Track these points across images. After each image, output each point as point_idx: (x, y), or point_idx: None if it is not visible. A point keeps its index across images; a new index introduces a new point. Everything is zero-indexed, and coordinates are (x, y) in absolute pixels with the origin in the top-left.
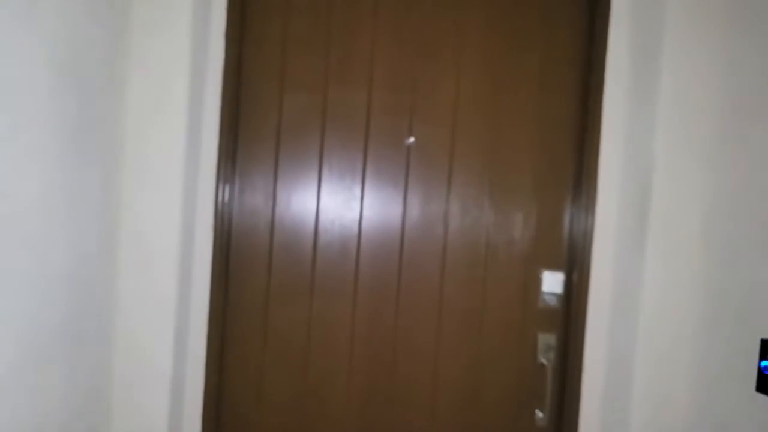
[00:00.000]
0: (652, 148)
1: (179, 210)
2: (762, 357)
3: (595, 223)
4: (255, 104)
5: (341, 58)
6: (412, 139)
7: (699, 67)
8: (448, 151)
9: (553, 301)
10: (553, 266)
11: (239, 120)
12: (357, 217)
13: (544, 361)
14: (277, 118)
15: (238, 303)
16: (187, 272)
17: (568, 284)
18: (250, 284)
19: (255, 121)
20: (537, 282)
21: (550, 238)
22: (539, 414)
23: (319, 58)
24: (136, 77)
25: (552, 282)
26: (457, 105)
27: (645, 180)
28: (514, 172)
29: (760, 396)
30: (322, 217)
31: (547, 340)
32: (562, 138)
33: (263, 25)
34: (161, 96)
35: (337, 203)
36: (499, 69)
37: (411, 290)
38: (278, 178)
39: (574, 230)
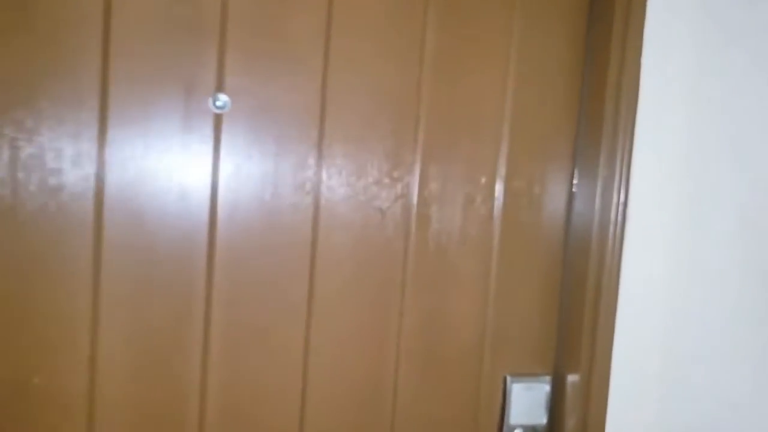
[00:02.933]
0: None
1: None
2: None
3: (622, 261)
4: None
5: None
6: (223, 100)
7: None
8: (314, 119)
9: None
10: (529, 367)
11: None
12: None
13: None
14: None
15: None
16: None
17: (557, 406)
18: None
19: None
20: (494, 399)
21: (527, 306)
22: None
23: None
24: None
25: (525, 400)
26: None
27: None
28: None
29: None
30: None
31: None
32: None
33: None
34: None
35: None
36: None
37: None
38: None
39: (569, 282)
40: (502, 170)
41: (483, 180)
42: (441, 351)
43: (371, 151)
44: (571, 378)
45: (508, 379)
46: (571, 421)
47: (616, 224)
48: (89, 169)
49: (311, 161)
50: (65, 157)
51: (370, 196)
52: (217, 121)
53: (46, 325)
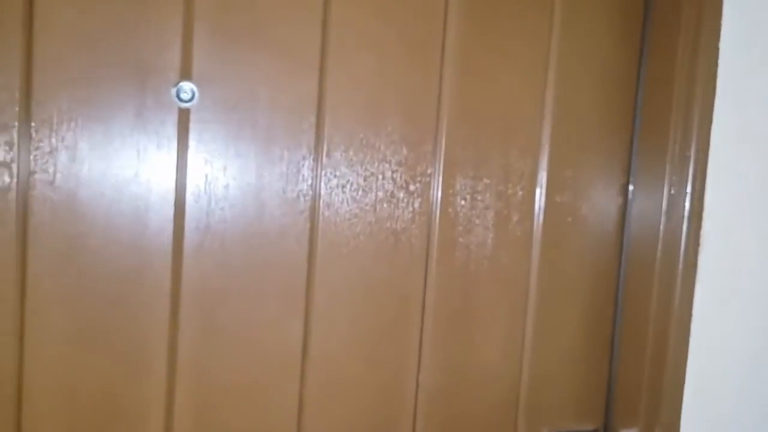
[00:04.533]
0: None
1: None
2: None
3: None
4: None
5: None
6: (188, 90)
7: None
8: (309, 116)
9: None
10: (575, 422)
11: None
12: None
13: None
14: None
15: None
16: None
17: None
18: None
19: None
20: None
21: (571, 349)
22: None
23: None
24: None
25: None
26: None
27: None
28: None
29: None
30: None
31: None
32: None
33: None
34: None
35: None
36: None
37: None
38: None
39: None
40: (542, 183)
41: (520, 194)
42: (467, 409)
43: (382, 159)
44: None
45: None
46: None
47: (687, 245)
48: (6, 179)
49: (306, 171)
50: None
51: (380, 216)
52: (183, 117)
53: None
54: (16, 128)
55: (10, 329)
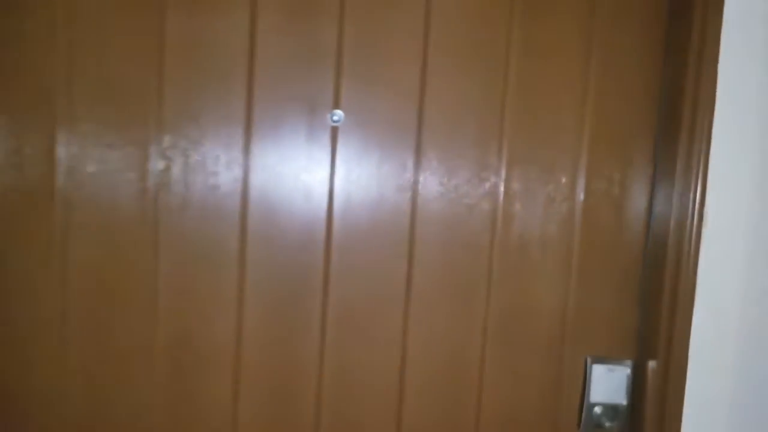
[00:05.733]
0: None
1: None
2: None
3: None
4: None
5: None
6: (338, 115)
7: None
8: (412, 129)
9: (607, 420)
10: (611, 352)
11: None
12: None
13: None
14: (64, 63)
15: None
16: None
17: (638, 389)
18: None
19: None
20: (576, 381)
21: (607, 297)
22: None
23: None
24: None
25: (606, 383)
26: (428, 34)
27: None
28: (541, 152)
29: None
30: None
31: None
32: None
33: None
34: None
35: (194, 215)
36: None
37: (340, 382)
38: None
39: (649, 273)
40: (582, 172)
41: (563, 180)
42: (524, 334)
43: (462, 156)
44: (651, 364)
45: (589, 360)
46: (650, 404)
47: (692, 223)
48: (238, 172)
49: (410, 165)
50: (221, 163)
51: (459, 194)
52: (334, 133)
53: (200, 295)
54: (242, 149)
55: (233, 297)
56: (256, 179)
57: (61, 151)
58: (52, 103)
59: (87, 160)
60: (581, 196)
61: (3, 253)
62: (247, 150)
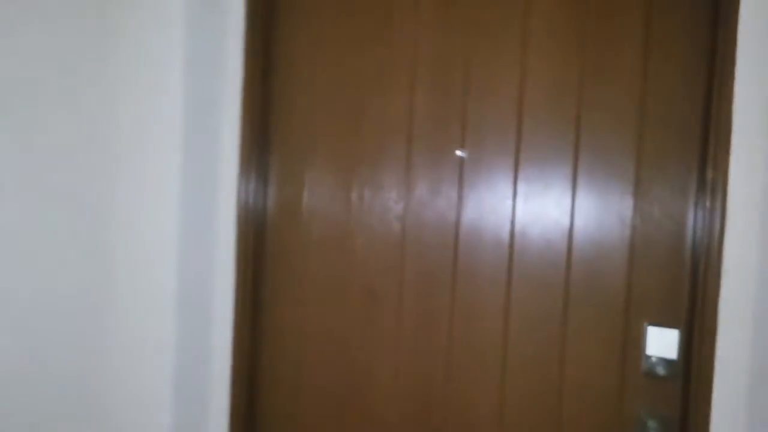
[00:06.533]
0: None
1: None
2: None
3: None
4: (283, 107)
5: (379, 60)
6: (462, 153)
7: None
8: (511, 159)
9: (662, 370)
10: (663, 320)
11: (269, 131)
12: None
13: None
14: (308, 128)
15: (268, 309)
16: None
17: (687, 347)
18: (282, 285)
19: (284, 131)
20: (638, 342)
21: (659, 280)
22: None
23: (354, 58)
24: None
25: (660, 340)
26: (523, 97)
27: None
28: (609, 180)
29: None
30: (364, 243)
31: (654, 424)
32: (681, 142)
33: (289, 25)
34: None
35: (376, 221)
36: (582, 46)
37: (464, 326)
38: (309, 196)
39: (696, 260)
40: (633, 189)
41: (629, 192)
42: (597, 300)
43: (548, 162)
44: (690, 328)
45: (647, 325)
46: (693, 358)
47: (718, 230)
48: (402, 197)
49: (509, 186)
50: (392, 192)
51: (557, 213)
52: (461, 163)
53: (379, 265)
54: (402, 179)
55: (397, 266)
56: (413, 202)
57: (307, 188)
58: (303, 160)
59: (317, 192)
60: (636, 210)
61: (284, 246)
62: (408, 183)
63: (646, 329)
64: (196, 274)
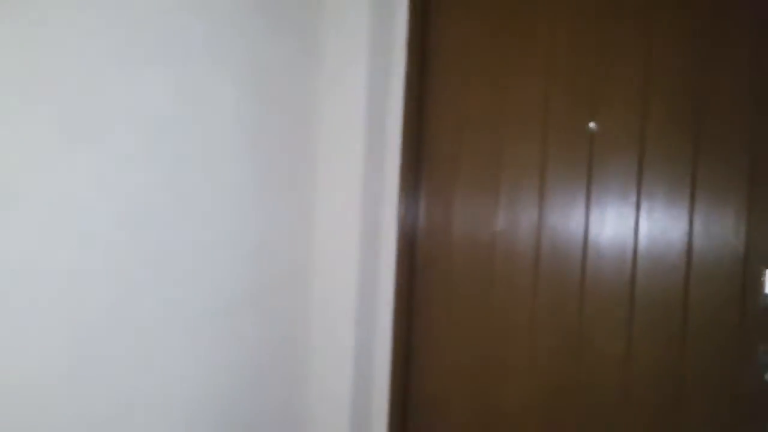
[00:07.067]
0: None
1: (359, 207)
2: None
3: None
4: (437, 126)
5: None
6: (592, 125)
7: None
8: (638, 140)
9: None
10: None
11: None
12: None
13: None
14: (454, 155)
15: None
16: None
17: None
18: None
19: (437, 145)
20: (757, 284)
21: None
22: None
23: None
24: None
25: None
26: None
27: None
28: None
29: None
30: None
31: None
32: None
33: (443, 36)
34: (345, 117)
35: (517, 221)
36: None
37: (597, 291)
38: (457, 197)
39: None
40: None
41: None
42: (718, 257)
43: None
44: None
45: (765, 271)
46: None
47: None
48: (535, 221)
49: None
50: (528, 219)
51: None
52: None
53: (516, 273)
54: (537, 207)
55: (529, 284)
56: (547, 225)
57: (456, 206)
58: (451, 181)
59: (464, 209)
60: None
61: (433, 256)
62: (541, 212)
63: (765, 276)
64: (369, 272)
